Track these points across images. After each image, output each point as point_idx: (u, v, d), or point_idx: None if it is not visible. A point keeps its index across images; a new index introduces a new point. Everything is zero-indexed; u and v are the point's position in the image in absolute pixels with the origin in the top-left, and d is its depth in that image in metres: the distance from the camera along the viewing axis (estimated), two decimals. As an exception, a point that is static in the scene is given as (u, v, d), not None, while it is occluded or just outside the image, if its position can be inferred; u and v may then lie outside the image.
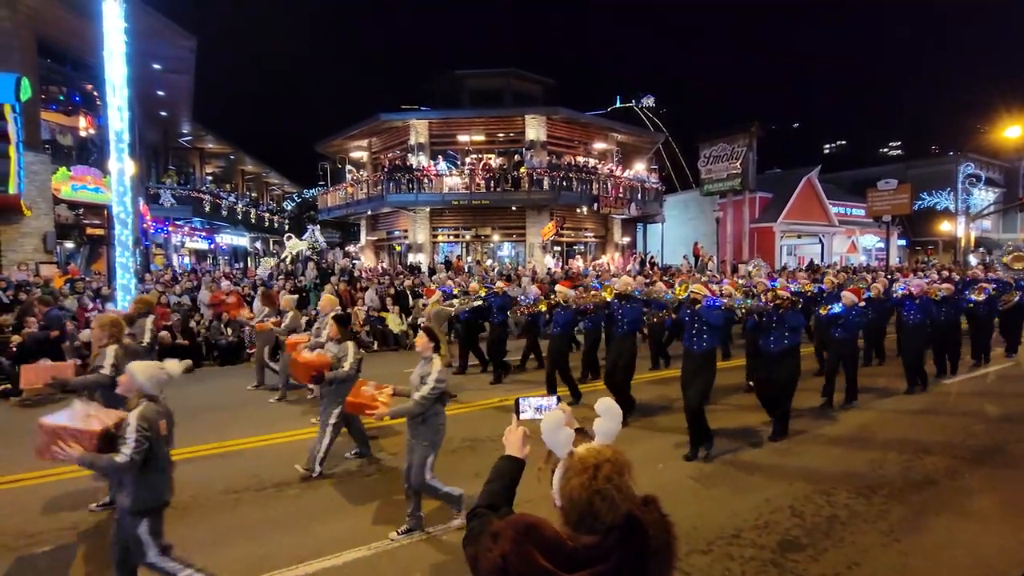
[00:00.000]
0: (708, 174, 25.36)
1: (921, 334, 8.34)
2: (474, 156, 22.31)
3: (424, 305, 10.11)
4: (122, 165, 10.96)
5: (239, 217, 29.23)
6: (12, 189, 12.52)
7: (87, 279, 13.18)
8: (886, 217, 27.40)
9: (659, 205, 25.84)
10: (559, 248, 23.42)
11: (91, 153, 16.29)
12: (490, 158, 21.95)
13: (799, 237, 29.48)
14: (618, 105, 42.84)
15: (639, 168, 25.84)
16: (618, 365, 6.81)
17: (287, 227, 33.67)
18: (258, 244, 34.85)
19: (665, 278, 13.78)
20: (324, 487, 5.05)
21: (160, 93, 20.79)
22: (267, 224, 33.63)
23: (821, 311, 7.85)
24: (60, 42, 15.11)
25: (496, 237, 23.39)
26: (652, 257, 24.25)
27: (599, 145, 25.01)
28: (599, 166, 23.35)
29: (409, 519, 4.15)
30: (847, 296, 7.42)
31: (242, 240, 33.20)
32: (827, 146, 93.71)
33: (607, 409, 1.44)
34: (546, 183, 20.94)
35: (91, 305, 11.26)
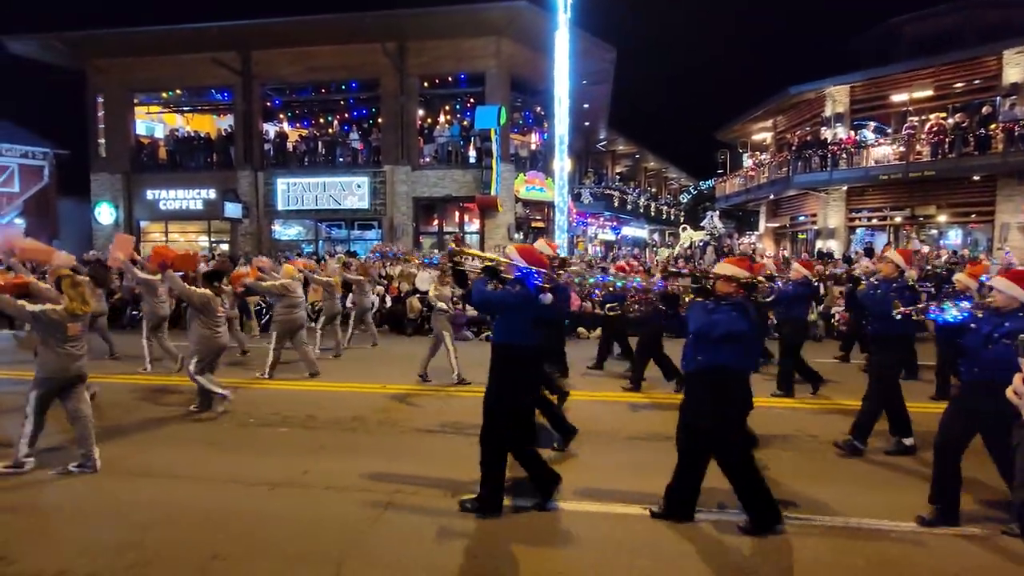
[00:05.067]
0: None
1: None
2: (914, 118, 18.09)
3: None
4: (563, 163, 13.45)
5: (640, 211, 31.82)
6: (493, 191, 16.96)
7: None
8: None
9: None
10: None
11: (538, 161, 20.51)
12: (941, 117, 17.39)
13: None
14: None
15: None
16: None
17: (682, 218, 34.79)
18: (655, 236, 37.20)
19: None
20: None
21: (585, 106, 24.38)
22: (664, 216, 35.52)
23: None
24: (522, 76, 19.44)
25: (943, 218, 18.43)
26: None
27: None
28: None
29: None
30: None
31: (641, 232, 36.05)
32: None
33: None
34: (1037, 139, 15.22)
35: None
